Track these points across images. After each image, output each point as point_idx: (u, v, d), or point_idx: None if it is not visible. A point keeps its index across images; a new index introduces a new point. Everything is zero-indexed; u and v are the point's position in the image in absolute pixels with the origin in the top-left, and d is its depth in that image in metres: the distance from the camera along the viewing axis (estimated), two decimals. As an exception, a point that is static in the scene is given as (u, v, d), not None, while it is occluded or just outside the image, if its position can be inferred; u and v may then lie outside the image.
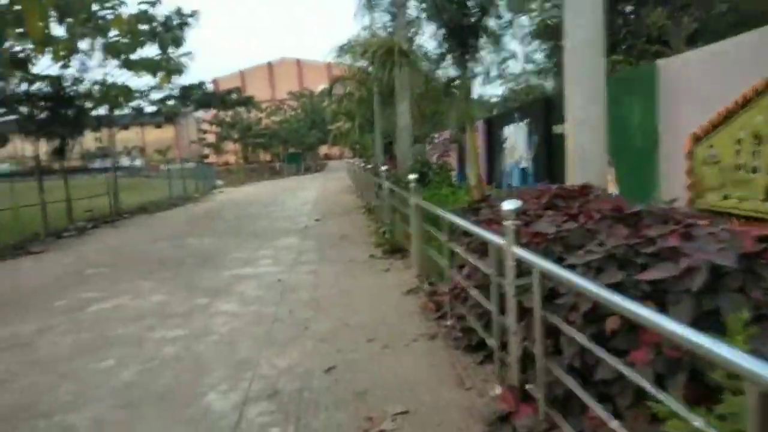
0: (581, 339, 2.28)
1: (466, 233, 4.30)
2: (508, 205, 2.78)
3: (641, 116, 5.10)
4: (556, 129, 7.84)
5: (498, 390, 3.20)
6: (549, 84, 15.70)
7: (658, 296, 2.20)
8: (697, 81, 4.37)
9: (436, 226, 5.55)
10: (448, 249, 4.43)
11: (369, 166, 12.98)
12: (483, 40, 8.30)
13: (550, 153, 8.06)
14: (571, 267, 2.50)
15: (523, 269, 2.86)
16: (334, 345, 4.15)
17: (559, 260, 2.67)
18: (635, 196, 4.99)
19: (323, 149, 56.45)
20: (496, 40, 8.64)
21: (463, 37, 8.04)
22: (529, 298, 2.69)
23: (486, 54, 8.38)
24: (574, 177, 4.78)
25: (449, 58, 8.64)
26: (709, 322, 1.97)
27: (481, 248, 4.03)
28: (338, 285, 6.02)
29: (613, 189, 6.32)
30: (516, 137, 9.51)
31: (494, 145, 10.75)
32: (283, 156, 48.13)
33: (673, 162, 4.76)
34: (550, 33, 11.82)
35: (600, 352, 2.16)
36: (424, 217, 5.84)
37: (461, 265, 4.52)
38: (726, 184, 4.09)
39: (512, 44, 14.83)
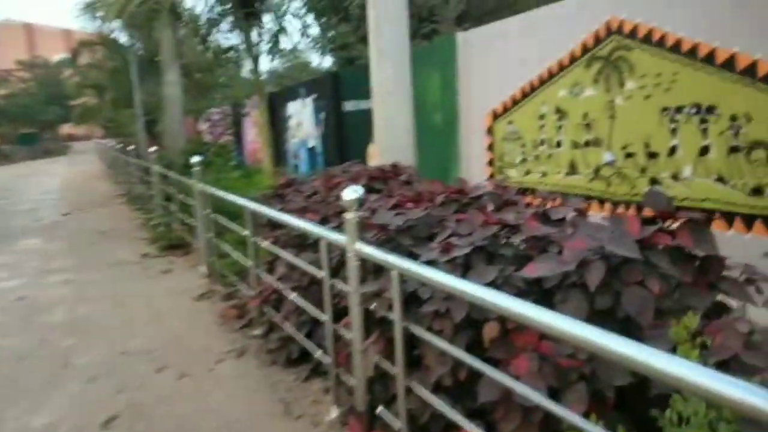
0: (457, 352, 1.86)
1: (276, 225, 3.64)
2: (350, 193, 2.23)
3: (441, 91, 4.99)
4: (347, 105, 7.53)
5: (334, 413, 2.67)
6: (325, 61, 15.50)
7: (538, 295, 1.90)
8: (499, 55, 4.34)
9: (229, 216, 4.75)
10: (253, 244, 3.71)
11: (130, 148, 11.17)
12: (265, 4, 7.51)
13: (340, 130, 7.73)
14: (431, 264, 2.07)
15: (368, 270, 2.36)
16: (112, 383, 3.15)
17: (410, 256, 2.22)
18: (436, 174, 4.89)
19: (66, 129, 48.71)
20: (278, 7, 7.92)
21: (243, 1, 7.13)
22: (381, 306, 2.20)
23: (269, 22, 7.65)
24: (380, 151, 4.44)
25: (227, 22, 7.66)
26: (604, 322, 1.71)
27: (298, 242, 3.43)
28: (107, 296, 4.81)
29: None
30: (302, 114, 9.00)
31: (277, 123, 10.09)
32: (13, 137, 40.08)
33: (474, 138, 4.73)
34: (325, 8, 11.52)
35: (480, 366, 1.77)
36: (214, 206, 4.97)
37: (270, 262, 3.85)
38: (528, 160, 4.14)
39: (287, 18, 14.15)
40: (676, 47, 2.96)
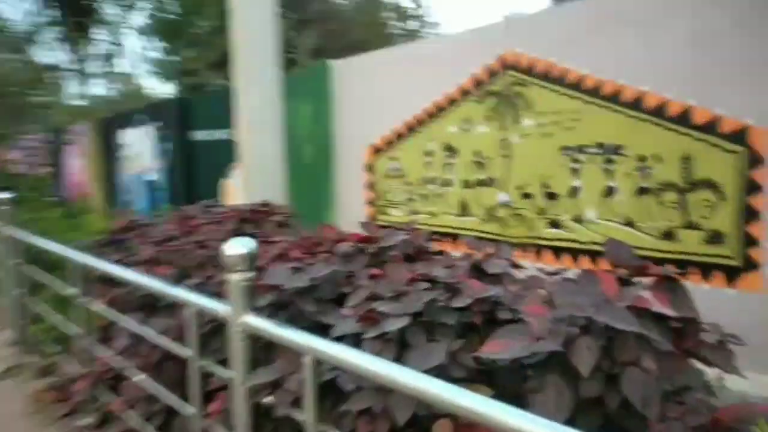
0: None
1: (114, 281, 2.82)
2: (236, 247, 1.63)
3: (315, 123, 4.52)
4: (197, 135, 6.71)
5: None
6: (167, 87, 14.24)
7: (494, 380, 1.47)
8: (380, 86, 4.00)
9: (49, 267, 3.73)
10: (81, 306, 2.85)
11: None
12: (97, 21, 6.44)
13: (188, 163, 6.86)
14: (349, 339, 1.56)
15: (255, 349, 1.74)
16: None
17: (317, 328, 1.68)
18: (310, 213, 4.38)
19: None
20: (114, 27, 6.86)
21: (75, 8, 5.99)
22: (282, 401, 1.61)
23: (100, 40, 6.55)
24: (252, 188, 3.81)
25: (51, 34, 6.41)
26: (593, 416, 1.33)
27: (146, 303, 2.66)
28: None
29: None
30: (141, 144, 7.89)
31: (110, 153, 8.79)
32: None
33: (352, 174, 4.32)
34: (169, 31, 10.53)
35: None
36: (27, 255, 3.90)
37: (105, 328, 2.98)
38: (414, 199, 3.81)
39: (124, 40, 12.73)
40: (578, 84, 2.82)
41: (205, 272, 2.56)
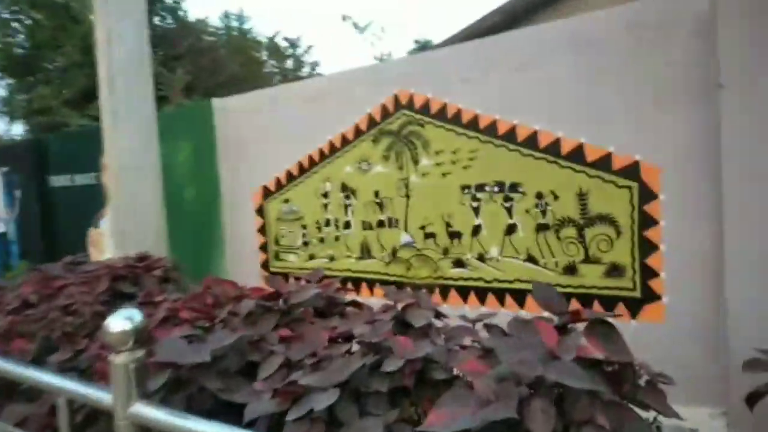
0: None
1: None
2: (118, 323, 1.34)
3: (197, 165, 4.18)
4: (55, 181, 5.98)
5: None
6: (14, 128, 12.72)
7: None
8: (268, 125, 3.80)
9: None
10: None
11: None
12: None
13: (45, 212, 6.07)
14: (263, 420, 1.33)
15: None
16: None
17: (225, 409, 1.44)
18: (196, 264, 4.01)
19: None
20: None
21: None
22: None
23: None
24: (126, 238, 3.39)
25: None
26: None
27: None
28: None
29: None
30: (-15, 191, 6.88)
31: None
32: None
33: (241, 219, 4.03)
34: (18, 66, 9.44)
35: None
36: None
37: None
38: (311, 243, 3.62)
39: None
40: (473, 123, 2.84)
41: (75, 345, 2.17)
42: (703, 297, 2.23)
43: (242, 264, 4.02)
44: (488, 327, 1.63)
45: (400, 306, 1.81)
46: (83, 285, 2.70)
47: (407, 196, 3.14)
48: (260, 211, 3.91)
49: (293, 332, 1.70)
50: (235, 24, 15.25)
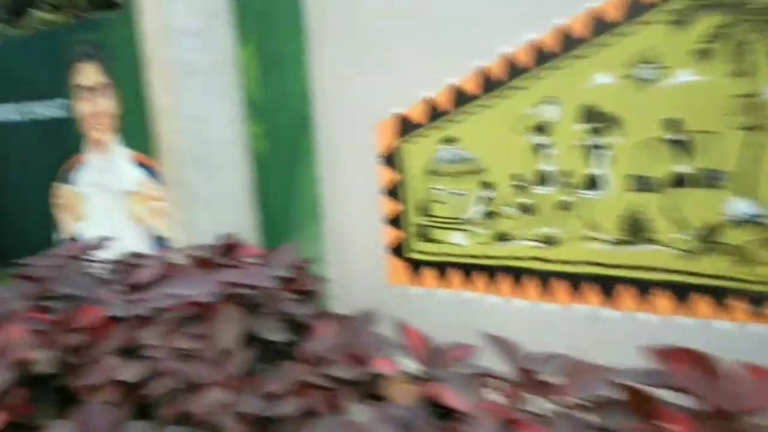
0: None
1: None
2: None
3: (278, 76, 2.51)
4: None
5: None
6: None
7: None
8: (394, 13, 2.17)
9: None
10: None
11: None
12: None
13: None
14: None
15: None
16: None
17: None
18: (275, 233, 2.48)
19: None
20: None
21: None
22: None
23: None
24: (185, 210, 1.78)
25: None
26: None
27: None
28: None
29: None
30: None
31: None
32: None
33: (348, 167, 2.45)
34: None
35: None
36: None
37: None
38: (502, 213, 2.11)
39: None
40: None
41: None
42: None
43: (353, 248, 2.47)
44: None
45: None
46: (180, 334, 1.12)
47: (749, 129, 1.66)
48: (391, 159, 2.33)
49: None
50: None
